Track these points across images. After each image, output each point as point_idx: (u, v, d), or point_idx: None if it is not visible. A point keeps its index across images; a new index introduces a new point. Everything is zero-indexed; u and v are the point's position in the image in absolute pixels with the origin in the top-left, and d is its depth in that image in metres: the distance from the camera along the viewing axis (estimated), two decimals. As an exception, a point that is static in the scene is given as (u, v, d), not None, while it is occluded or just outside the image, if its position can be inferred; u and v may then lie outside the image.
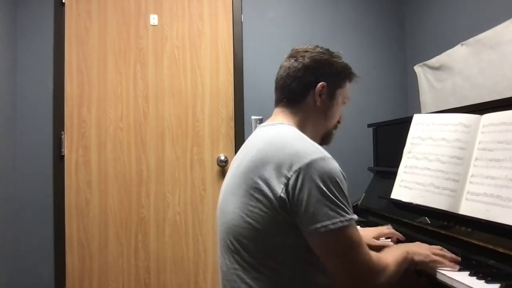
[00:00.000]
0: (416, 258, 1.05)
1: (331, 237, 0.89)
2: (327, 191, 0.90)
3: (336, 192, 0.91)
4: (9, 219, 2.23)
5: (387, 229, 1.43)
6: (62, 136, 2.36)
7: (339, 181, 0.93)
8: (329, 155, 0.96)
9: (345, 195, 0.93)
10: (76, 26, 2.40)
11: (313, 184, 0.90)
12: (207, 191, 2.45)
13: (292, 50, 1.14)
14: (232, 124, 2.47)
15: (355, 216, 0.93)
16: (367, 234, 1.37)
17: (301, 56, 1.10)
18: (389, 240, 1.40)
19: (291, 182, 0.91)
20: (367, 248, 0.93)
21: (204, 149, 2.45)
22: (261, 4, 2.53)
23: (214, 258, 2.42)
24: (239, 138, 2.45)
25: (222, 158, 2.42)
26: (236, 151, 2.43)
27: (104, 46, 2.41)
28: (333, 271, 0.94)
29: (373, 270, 0.93)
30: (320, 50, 1.12)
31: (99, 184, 2.38)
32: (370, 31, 2.63)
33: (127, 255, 2.38)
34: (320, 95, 1.09)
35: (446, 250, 1.12)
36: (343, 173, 0.96)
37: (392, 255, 1.02)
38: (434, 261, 1.06)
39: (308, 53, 1.10)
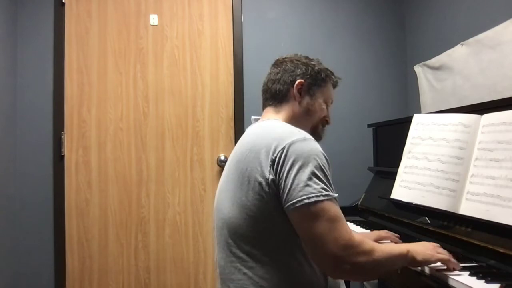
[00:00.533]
0: (419, 258, 1.01)
1: (306, 210, 0.91)
2: (305, 169, 0.94)
3: (314, 170, 0.94)
4: (9, 219, 2.23)
5: (384, 232, 1.42)
6: (62, 136, 2.36)
7: (318, 160, 0.96)
8: (311, 137, 1.02)
9: (325, 174, 0.96)
10: (76, 26, 2.40)
11: (292, 162, 0.95)
12: (207, 191, 2.45)
13: (275, 60, 1.25)
14: (232, 124, 2.47)
15: (334, 194, 0.95)
16: (367, 236, 1.37)
17: (280, 63, 1.21)
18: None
19: (275, 162, 0.97)
20: (346, 226, 0.93)
21: (204, 149, 2.45)
22: (261, 4, 2.53)
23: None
24: (239, 138, 2.44)
25: (222, 158, 2.42)
26: (236, 151, 2.43)
27: (104, 46, 2.41)
28: (307, 247, 0.95)
29: (350, 248, 0.90)
30: (299, 56, 1.22)
31: (99, 184, 2.38)
32: (370, 31, 2.63)
33: (127, 255, 2.38)
34: (299, 92, 1.16)
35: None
36: (325, 154, 1.00)
37: (387, 246, 1.02)
38: (440, 260, 1.04)
39: (287, 59, 1.21)
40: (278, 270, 0.99)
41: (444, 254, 1.06)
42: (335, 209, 0.93)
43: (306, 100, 1.17)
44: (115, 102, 2.41)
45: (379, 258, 0.94)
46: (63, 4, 2.39)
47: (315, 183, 0.93)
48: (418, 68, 2.38)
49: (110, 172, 2.39)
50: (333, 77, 1.23)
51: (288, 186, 0.93)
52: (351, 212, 1.89)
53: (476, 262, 1.09)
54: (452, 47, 2.04)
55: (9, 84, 2.26)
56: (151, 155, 2.42)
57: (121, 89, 2.42)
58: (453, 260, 1.05)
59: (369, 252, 0.93)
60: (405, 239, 1.40)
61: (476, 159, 1.23)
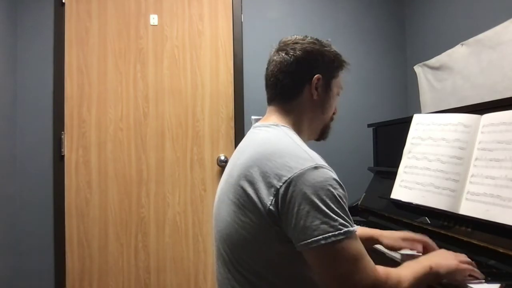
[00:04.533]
0: (442, 271, 0.94)
1: (324, 252, 0.82)
2: (319, 203, 0.82)
3: (330, 203, 0.83)
4: (9, 219, 2.23)
5: (420, 237, 1.21)
6: (62, 136, 2.36)
7: (333, 190, 0.84)
8: (323, 163, 0.89)
9: (342, 205, 0.85)
10: (76, 26, 2.40)
11: (303, 195, 0.83)
12: (207, 191, 2.45)
13: (280, 42, 1.06)
14: (232, 124, 2.47)
15: (354, 228, 0.85)
16: (394, 236, 1.22)
17: (291, 48, 1.02)
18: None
19: (280, 193, 0.85)
20: (370, 263, 0.85)
21: (204, 149, 2.45)
22: (261, 4, 2.53)
23: (213, 258, 2.42)
24: (239, 138, 2.44)
25: (222, 158, 2.42)
26: (236, 151, 2.43)
27: (104, 46, 2.41)
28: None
29: (377, 287, 0.83)
30: (311, 40, 1.04)
31: (99, 184, 2.38)
32: (370, 31, 2.63)
33: (127, 255, 2.38)
34: (316, 88, 1.02)
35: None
36: (340, 182, 0.88)
37: (410, 270, 0.92)
38: (464, 270, 0.97)
39: (299, 44, 1.03)
40: None
41: (466, 263, 0.99)
42: (356, 247, 0.83)
43: (322, 96, 1.03)
44: (115, 102, 2.41)
45: (408, 286, 0.87)
46: (63, 4, 2.39)
47: (332, 219, 0.82)
48: (418, 68, 2.38)
49: (110, 172, 2.39)
50: (345, 63, 1.08)
51: (301, 224, 0.82)
52: (351, 212, 1.88)
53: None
54: (452, 47, 2.04)
55: (9, 84, 2.26)
56: (151, 155, 2.42)
57: (121, 89, 2.42)
58: (476, 270, 0.99)
59: (397, 284, 0.85)
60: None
61: (476, 159, 1.23)
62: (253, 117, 2.46)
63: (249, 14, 2.51)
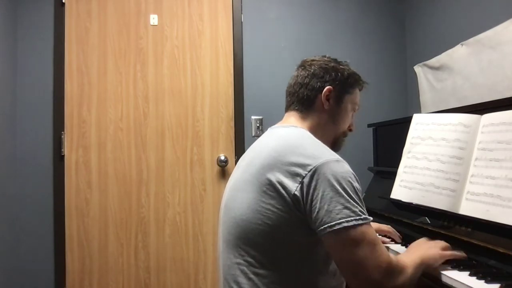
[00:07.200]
0: (431, 262, 1.04)
1: (346, 235, 0.89)
2: (341, 190, 0.91)
3: (350, 192, 0.92)
4: (9, 219, 2.23)
5: (386, 227, 1.44)
6: (62, 136, 2.36)
7: (352, 182, 0.94)
8: (342, 159, 0.99)
9: (359, 197, 0.94)
10: (76, 26, 2.40)
11: (327, 183, 0.91)
12: (207, 191, 2.45)
13: (302, 61, 1.20)
14: (232, 124, 2.47)
15: (369, 217, 0.93)
16: None
17: (308, 65, 1.16)
18: (387, 239, 1.43)
19: (306, 180, 0.93)
20: (384, 248, 0.92)
21: (204, 149, 2.45)
22: (261, 4, 2.53)
23: (214, 258, 2.42)
24: (239, 138, 2.44)
25: (222, 158, 2.42)
26: (236, 151, 2.43)
27: (104, 46, 2.41)
28: (347, 272, 0.93)
29: (391, 271, 0.91)
30: (327, 59, 1.17)
31: (99, 184, 2.38)
32: (370, 31, 2.63)
33: (127, 255, 2.38)
34: (327, 99, 1.13)
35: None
36: (356, 176, 0.97)
37: (409, 259, 1.00)
38: (447, 256, 1.07)
39: (316, 61, 1.16)
40: (284, 281, 0.97)
41: (447, 250, 1.09)
42: (373, 232, 0.92)
43: (334, 107, 1.14)
44: (115, 102, 2.41)
45: (411, 273, 0.95)
46: (63, 4, 2.39)
47: (353, 205, 0.90)
48: (418, 68, 2.38)
49: (110, 172, 2.39)
50: (361, 81, 1.20)
51: (325, 208, 0.90)
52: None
53: (476, 262, 1.09)
54: (452, 47, 2.04)
55: (9, 84, 2.26)
56: (151, 155, 2.42)
57: (121, 89, 2.42)
58: (457, 253, 1.08)
59: (404, 270, 0.94)
60: (405, 239, 1.41)
61: (476, 159, 1.23)
62: (253, 117, 2.46)
63: (249, 14, 2.51)
